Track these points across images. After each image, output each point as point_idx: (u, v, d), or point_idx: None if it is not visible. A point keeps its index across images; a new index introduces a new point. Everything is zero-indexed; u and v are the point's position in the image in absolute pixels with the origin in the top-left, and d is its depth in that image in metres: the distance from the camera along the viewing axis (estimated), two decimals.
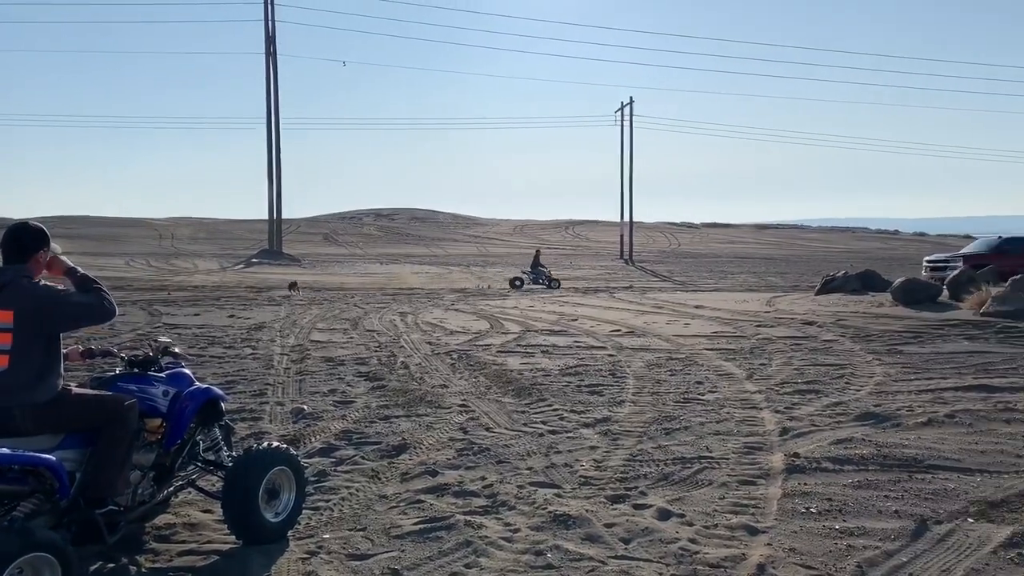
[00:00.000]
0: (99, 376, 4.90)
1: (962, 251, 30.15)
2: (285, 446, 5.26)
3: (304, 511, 5.30)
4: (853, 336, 13.65)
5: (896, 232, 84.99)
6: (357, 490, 5.94)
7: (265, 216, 48.70)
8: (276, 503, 5.02)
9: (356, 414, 8.33)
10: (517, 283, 29.87)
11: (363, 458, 6.75)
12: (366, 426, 7.83)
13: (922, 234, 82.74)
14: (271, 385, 9.95)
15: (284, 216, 52.75)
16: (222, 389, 5.82)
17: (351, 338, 14.28)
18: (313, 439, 7.34)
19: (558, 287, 28.02)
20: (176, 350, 5.24)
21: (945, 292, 18.21)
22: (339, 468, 6.48)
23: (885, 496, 5.70)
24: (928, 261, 29.12)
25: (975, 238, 34.07)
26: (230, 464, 5.02)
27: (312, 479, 6.08)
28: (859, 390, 9.35)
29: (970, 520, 5.22)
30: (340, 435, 7.46)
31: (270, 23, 45.95)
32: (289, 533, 5.04)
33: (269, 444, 5.16)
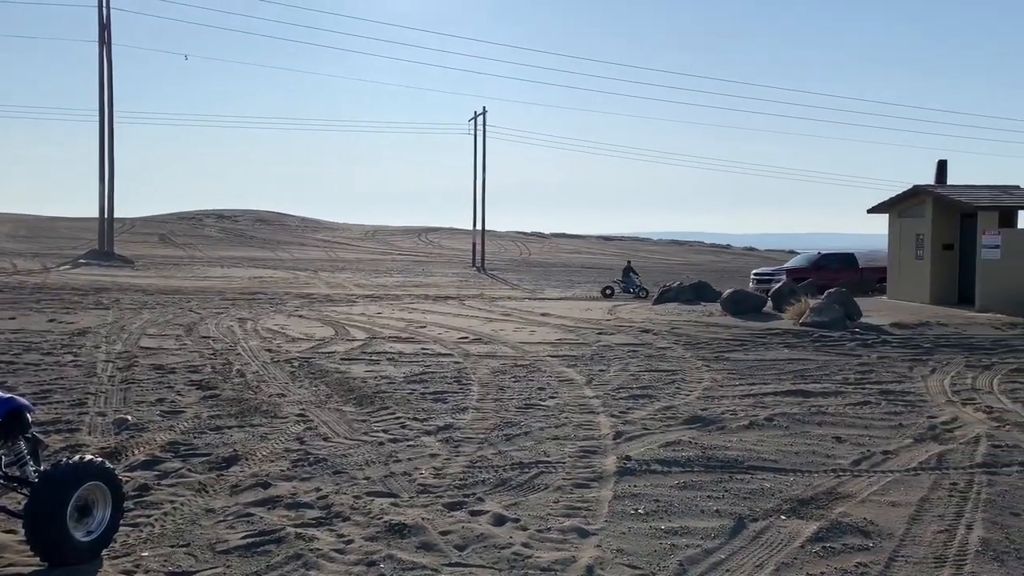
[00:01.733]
0: None
1: (785, 265, 32.42)
2: (100, 459, 4.92)
3: (122, 528, 4.98)
4: (685, 344, 14.34)
5: (728, 246, 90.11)
6: (182, 504, 5.65)
7: (96, 214, 45.66)
8: (89, 521, 4.69)
9: (185, 424, 7.93)
10: (608, 291, 29.49)
11: (190, 471, 6.43)
12: (195, 437, 7.47)
13: (752, 248, 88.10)
14: (93, 394, 9.31)
15: (117, 215, 49.62)
16: (36, 399, 5.40)
17: (184, 345, 13.59)
18: (136, 451, 6.92)
19: (646, 296, 27.93)
20: None
21: (769, 303, 19.45)
22: (163, 482, 6.14)
23: (708, 496, 6.01)
24: (755, 274, 31.13)
25: (798, 253, 36.67)
26: (36, 480, 4.65)
27: (132, 494, 5.73)
28: (688, 395, 9.82)
29: (783, 517, 5.58)
30: (166, 447, 7.08)
31: (104, 10, 43.20)
32: (104, 552, 4.72)
33: (81, 457, 4.81)
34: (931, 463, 6.96)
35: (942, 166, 24.24)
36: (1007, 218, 21.00)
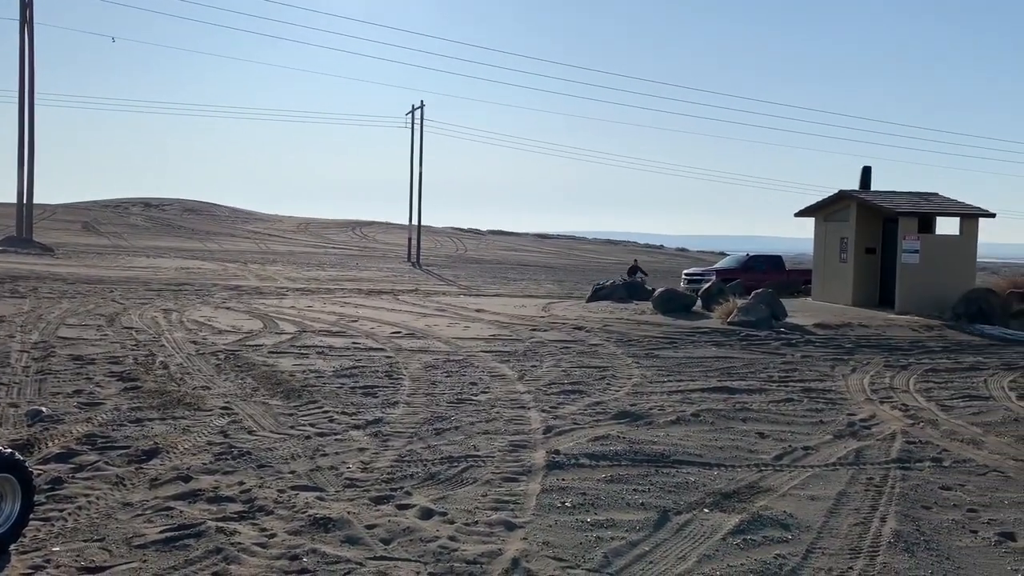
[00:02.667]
0: None
1: (715, 266, 33.10)
2: (9, 450, 4.71)
3: (32, 523, 4.80)
4: (616, 341, 14.50)
5: (661, 247, 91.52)
6: (97, 498, 5.46)
7: (14, 200, 43.90)
8: None
9: (104, 416, 7.67)
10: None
11: (107, 463, 6.22)
12: (114, 429, 7.23)
13: (683, 249, 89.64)
14: (5, 385, 8.95)
15: (37, 201, 47.78)
16: None
17: (105, 335, 13.16)
18: (50, 443, 6.67)
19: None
20: None
21: (699, 302, 19.81)
22: (78, 475, 5.93)
23: (634, 489, 6.08)
24: (686, 274, 31.68)
25: (728, 255, 37.45)
26: None
27: (44, 487, 5.52)
28: (618, 391, 9.93)
29: (706, 510, 5.68)
30: (83, 439, 6.84)
31: None
32: (12, 547, 4.53)
33: None
34: (849, 459, 7.18)
35: (866, 172, 25.03)
36: (926, 224, 21.80)
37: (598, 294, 23.80)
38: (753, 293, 18.65)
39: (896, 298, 20.84)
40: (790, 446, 7.53)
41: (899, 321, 18.65)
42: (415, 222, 55.38)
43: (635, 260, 33.35)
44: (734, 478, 6.47)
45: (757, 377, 11.28)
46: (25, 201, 43.14)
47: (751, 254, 33.15)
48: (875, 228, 22.46)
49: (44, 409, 7.78)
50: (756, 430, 8.14)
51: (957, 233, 21.64)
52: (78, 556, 4.53)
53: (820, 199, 24.17)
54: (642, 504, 5.76)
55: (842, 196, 23.16)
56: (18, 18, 41.68)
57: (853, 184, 24.73)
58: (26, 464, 4.78)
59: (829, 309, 21.12)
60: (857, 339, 15.61)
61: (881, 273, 22.43)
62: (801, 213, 24.86)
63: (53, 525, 4.96)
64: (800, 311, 19.94)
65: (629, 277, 30.12)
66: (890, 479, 6.58)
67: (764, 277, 27.90)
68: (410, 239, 54.01)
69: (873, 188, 24.53)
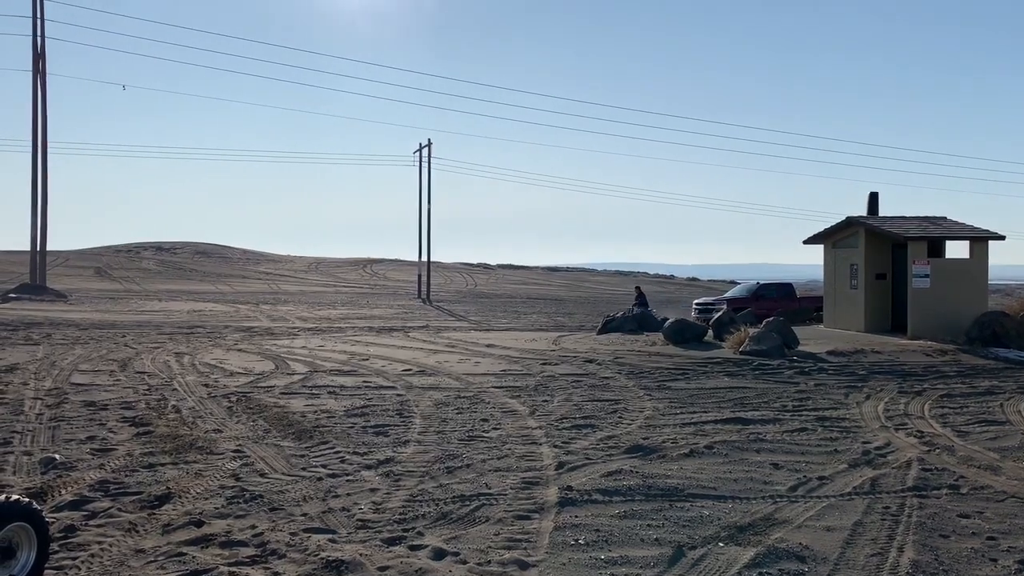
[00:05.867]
0: None
1: (725, 295, 33.00)
2: (27, 499, 4.72)
3: (47, 572, 4.79)
4: (628, 373, 14.46)
5: (672, 276, 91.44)
6: (110, 545, 5.46)
7: (27, 247, 44.37)
8: (11, 563, 4.51)
9: (116, 463, 7.68)
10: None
11: (120, 510, 6.23)
12: (127, 475, 7.24)
13: (695, 279, 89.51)
14: (19, 433, 8.98)
15: (50, 247, 48.26)
16: None
17: (118, 381, 13.21)
18: (63, 491, 6.68)
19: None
20: None
21: (710, 332, 19.75)
22: (91, 522, 5.94)
23: (648, 525, 6.04)
24: (697, 304, 31.57)
25: (738, 283, 37.36)
26: None
27: (58, 535, 5.53)
28: (631, 424, 9.89)
29: (721, 544, 5.63)
30: (95, 486, 6.85)
31: (39, 39, 42.34)
32: None
33: (7, 497, 4.62)
34: (865, 488, 7.11)
35: (874, 198, 25.04)
36: (936, 248, 21.74)
37: (608, 326, 23.76)
38: (764, 322, 18.60)
39: (908, 323, 20.73)
40: (805, 476, 7.46)
41: (912, 346, 18.53)
42: (424, 258, 55.58)
43: (637, 287, 32.83)
44: (749, 510, 6.42)
45: (770, 407, 11.21)
46: (39, 248, 43.57)
47: (761, 282, 33.07)
48: (884, 254, 22.41)
49: (57, 456, 7.80)
50: (770, 461, 8.07)
51: (967, 256, 21.56)
52: None
53: (828, 226, 24.17)
54: (656, 540, 5.71)
55: (850, 223, 23.15)
56: (31, 69, 42.45)
57: (860, 210, 24.73)
58: (42, 512, 4.79)
59: (841, 336, 21.02)
60: (870, 366, 15.51)
61: (892, 299, 22.33)
62: (810, 240, 24.84)
63: (67, 573, 4.95)
64: (812, 339, 19.85)
65: (637, 303, 29.38)
66: (907, 508, 6.51)
67: (775, 305, 27.80)
68: (420, 275, 54.18)
69: (881, 213, 24.51)
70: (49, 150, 43.15)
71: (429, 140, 56.06)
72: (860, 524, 6.07)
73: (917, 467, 7.84)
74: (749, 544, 5.61)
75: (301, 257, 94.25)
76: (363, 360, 16.48)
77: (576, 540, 5.67)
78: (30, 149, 42.32)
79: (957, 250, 22.24)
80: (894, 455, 8.35)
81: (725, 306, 27.09)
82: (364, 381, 13.47)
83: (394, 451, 8.36)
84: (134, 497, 6.57)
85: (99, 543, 5.50)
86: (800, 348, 17.65)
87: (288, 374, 14.29)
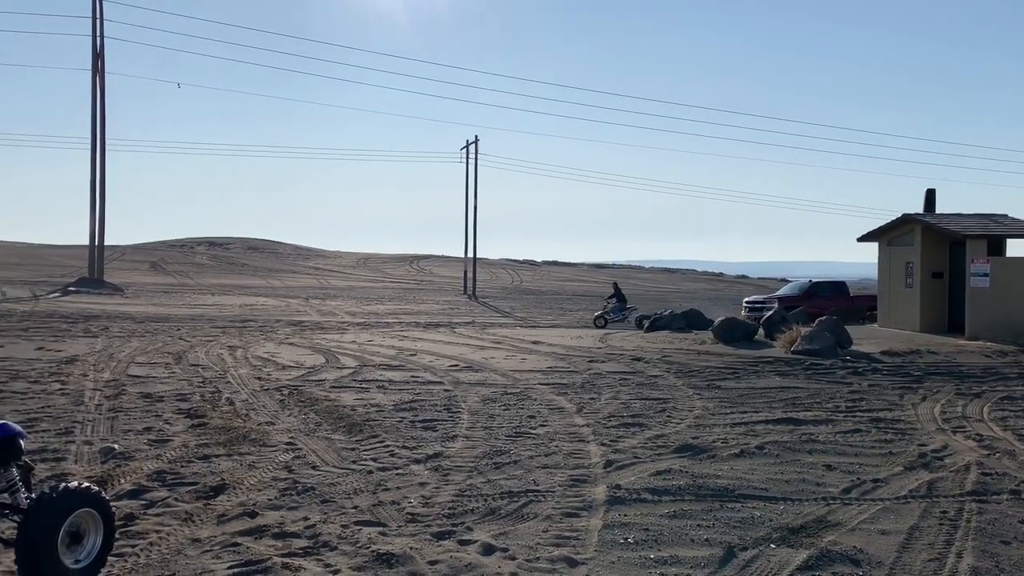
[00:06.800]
0: None
1: (776, 293, 32.52)
2: (96, 488, 4.84)
3: (108, 558, 4.91)
4: (677, 372, 14.34)
5: (721, 274, 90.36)
6: (168, 534, 5.59)
7: (86, 242, 45.60)
8: (79, 548, 4.63)
9: (172, 453, 7.86)
10: (600, 323, 28.22)
11: (177, 500, 6.37)
12: (182, 466, 7.41)
13: (744, 276, 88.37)
14: (80, 423, 9.24)
15: (108, 242, 49.58)
16: (23, 427, 5.32)
17: (173, 373, 13.52)
18: (122, 480, 6.86)
19: (622, 320, 27.72)
20: None
21: (761, 331, 19.49)
22: (149, 511, 6.08)
23: (698, 525, 5.98)
24: (747, 302, 31.18)
25: (790, 281, 36.78)
26: (28, 506, 4.59)
27: (118, 523, 5.66)
28: (679, 423, 9.80)
29: (772, 546, 5.55)
30: (153, 476, 7.02)
31: (98, 39, 43.46)
32: None
33: (79, 483, 4.73)
34: (921, 491, 6.95)
35: (931, 195, 24.46)
36: (995, 246, 21.16)
37: (656, 324, 23.60)
38: (817, 321, 18.29)
39: (966, 323, 20.21)
40: (859, 479, 7.32)
41: (970, 347, 18.05)
42: (471, 255, 55.80)
43: (615, 283, 31.77)
44: (801, 512, 6.32)
45: (823, 407, 11.02)
46: (97, 243, 44.76)
47: (814, 280, 32.51)
48: (941, 252, 21.88)
49: (116, 446, 8.01)
50: (823, 462, 7.93)
51: None
52: None
53: (883, 223, 23.67)
54: (707, 540, 5.66)
55: (906, 220, 22.65)
56: (90, 68, 43.59)
57: (917, 207, 24.17)
58: (107, 500, 4.92)
59: (896, 336, 20.57)
60: (926, 366, 15.15)
61: (949, 298, 21.79)
62: (864, 238, 24.37)
63: (127, 561, 5.08)
64: (866, 338, 19.46)
65: (617, 302, 29.06)
66: (965, 512, 6.34)
67: (828, 304, 27.30)
68: (466, 271, 54.41)
69: (938, 211, 23.93)
70: (107, 147, 44.31)
71: (476, 136, 56.31)
72: (916, 528, 5.94)
73: (976, 471, 7.64)
74: (801, 546, 5.53)
75: (349, 253, 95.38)
76: (411, 355, 16.61)
77: (625, 539, 5.65)
78: (89, 146, 43.53)
79: (1019, 248, 21.64)
80: (952, 458, 8.14)
81: (776, 304, 26.71)
82: (412, 376, 13.58)
83: (443, 446, 8.41)
84: (190, 487, 6.71)
85: (157, 532, 5.63)
86: (853, 348, 17.32)
87: (338, 368, 14.47)
